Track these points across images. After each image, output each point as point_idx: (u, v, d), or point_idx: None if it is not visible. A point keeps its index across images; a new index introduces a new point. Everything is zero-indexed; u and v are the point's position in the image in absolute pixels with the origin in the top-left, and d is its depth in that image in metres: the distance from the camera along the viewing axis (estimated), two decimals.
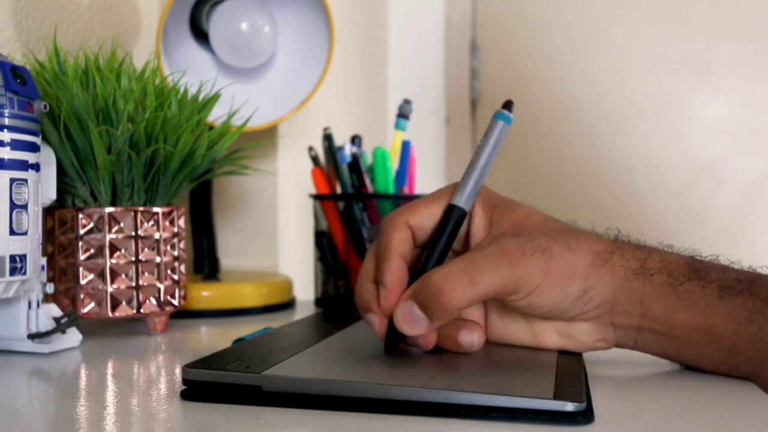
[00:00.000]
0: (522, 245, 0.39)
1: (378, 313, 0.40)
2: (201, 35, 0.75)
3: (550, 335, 0.42)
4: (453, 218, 0.41)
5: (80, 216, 0.53)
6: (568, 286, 0.39)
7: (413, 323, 0.39)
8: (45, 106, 0.47)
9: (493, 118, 0.42)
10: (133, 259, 0.54)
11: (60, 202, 0.54)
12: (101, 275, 0.53)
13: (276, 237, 0.90)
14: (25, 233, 0.45)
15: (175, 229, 0.57)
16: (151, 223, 0.55)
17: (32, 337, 0.47)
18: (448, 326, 0.41)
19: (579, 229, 0.42)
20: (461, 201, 0.41)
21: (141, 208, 0.55)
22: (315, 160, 0.74)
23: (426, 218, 0.42)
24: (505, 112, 0.42)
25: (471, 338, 0.41)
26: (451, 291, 0.37)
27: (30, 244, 0.46)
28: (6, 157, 0.44)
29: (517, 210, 0.42)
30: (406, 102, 0.76)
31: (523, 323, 0.43)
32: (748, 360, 0.39)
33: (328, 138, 0.72)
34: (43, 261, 0.50)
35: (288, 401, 0.34)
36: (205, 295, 0.68)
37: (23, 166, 0.45)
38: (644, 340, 0.41)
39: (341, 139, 0.76)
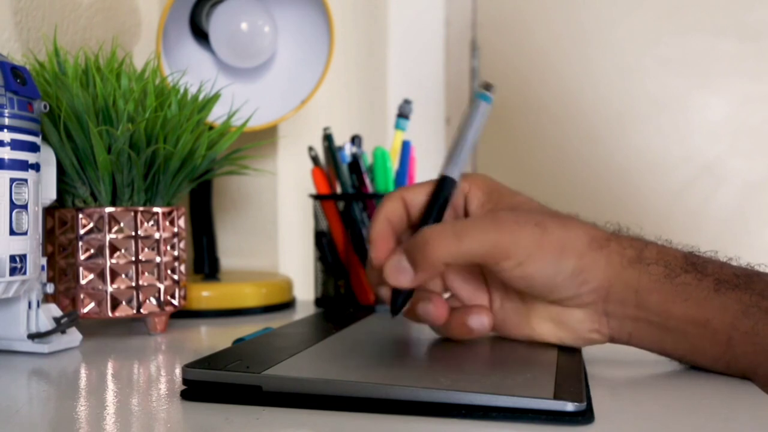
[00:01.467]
0: (516, 215, 0.40)
1: (377, 276, 0.42)
2: (201, 35, 0.75)
3: (546, 323, 0.43)
4: (445, 187, 0.43)
5: (80, 216, 0.53)
6: (560, 260, 0.40)
7: (399, 274, 0.41)
8: (45, 106, 0.47)
9: (474, 98, 0.44)
10: (133, 259, 0.54)
11: (60, 202, 0.54)
12: (101, 275, 0.53)
13: (276, 237, 0.90)
14: (25, 233, 0.45)
15: (175, 229, 0.57)
16: (151, 223, 0.55)
17: (32, 337, 0.47)
18: (457, 313, 0.43)
19: (576, 217, 0.43)
20: (451, 171, 0.43)
21: (141, 208, 0.55)
22: (315, 160, 0.74)
23: (419, 195, 0.44)
24: (485, 91, 0.44)
25: (480, 321, 0.43)
26: (436, 242, 0.39)
27: (30, 244, 0.46)
28: (6, 157, 0.44)
29: (515, 196, 0.44)
30: (406, 102, 0.76)
31: (522, 310, 0.43)
32: (745, 355, 0.39)
33: (328, 138, 0.72)
34: (43, 261, 0.50)
35: (288, 401, 0.34)
36: (205, 295, 0.68)
37: (23, 166, 0.45)
38: (639, 332, 0.41)
39: (341, 139, 0.76)
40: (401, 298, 0.42)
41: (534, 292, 0.41)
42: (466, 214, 0.44)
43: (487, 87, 0.44)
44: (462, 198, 0.44)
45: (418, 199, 0.43)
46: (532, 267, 0.39)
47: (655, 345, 0.42)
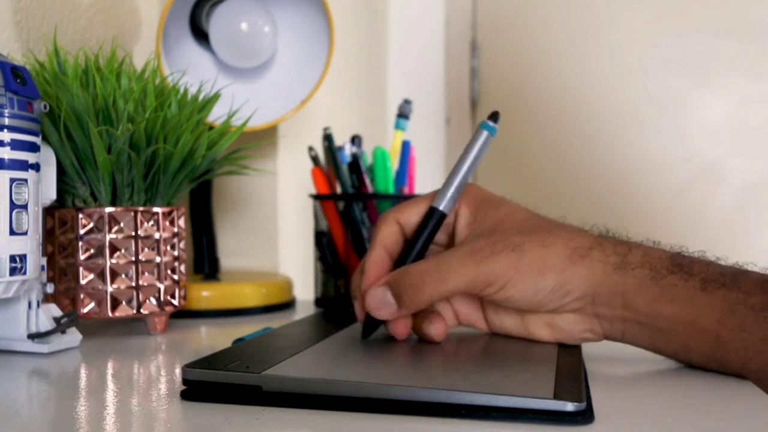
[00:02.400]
0: (493, 244, 0.41)
1: (360, 299, 0.44)
2: (201, 35, 0.75)
3: (540, 327, 0.44)
4: (432, 219, 0.44)
5: (80, 216, 0.53)
6: (540, 280, 0.41)
7: (382, 307, 0.42)
8: (45, 106, 0.47)
9: (479, 127, 0.44)
10: (133, 259, 0.54)
11: (60, 202, 0.54)
12: (101, 275, 0.53)
13: (276, 237, 0.90)
14: (25, 233, 0.45)
15: (175, 229, 0.57)
16: (151, 223, 0.55)
17: (32, 337, 0.47)
18: (418, 319, 0.45)
19: (560, 226, 0.44)
20: (441, 204, 0.44)
21: (141, 208, 0.55)
22: (315, 160, 0.74)
23: (414, 215, 0.45)
24: (491, 123, 0.44)
25: (436, 329, 0.44)
26: (424, 286, 0.41)
27: (30, 244, 0.46)
28: (6, 157, 0.44)
29: (500, 208, 0.44)
30: (406, 102, 0.76)
31: (515, 316, 0.45)
32: (735, 351, 0.39)
33: (328, 138, 0.72)
34: (43, 261, 0.50)
35: (288, 401, 0.34)
36: (205, 295, 0.68)
37: (23, 166, 0.45)
38: (631, 332, 0.42)
39: (341, 139, 0.76)
40: (374, 322, 0.44)
41: (519, 308, 0.43)
42: (453, 229, 0.45)
43: (494, 118, 0.44)
44: (453, 214, 0.45)
45: (411, 220, 0.45)
46: (512, 290, 0.41)
47: (648, 344, 0.42)
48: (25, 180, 0.45)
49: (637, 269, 0.41)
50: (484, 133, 0.44)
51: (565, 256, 0.41)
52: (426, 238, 0.44)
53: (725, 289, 0.39)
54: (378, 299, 0.42)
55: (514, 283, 0.41)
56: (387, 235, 0.44)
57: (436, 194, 0.44)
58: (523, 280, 0.41)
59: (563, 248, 0.41)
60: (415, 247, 0.44)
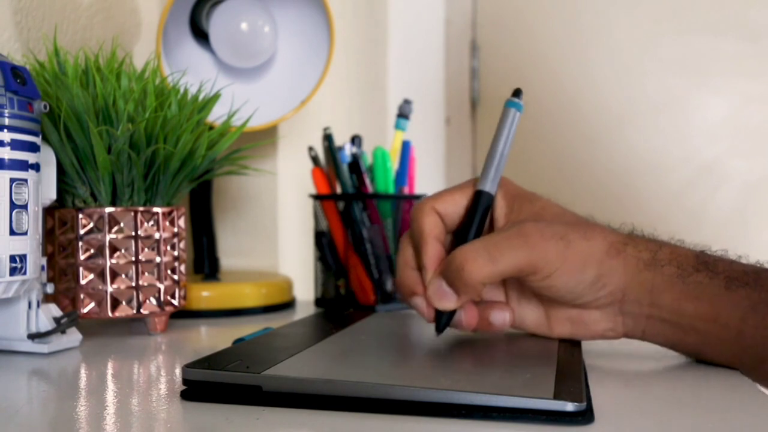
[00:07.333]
0: (541, 229, 0.41)
1: (424, 297, 0.43)
2: (201, 35, 0.75)
3: (563, 323, 0.44)
4: (482, 202, 0.44)
5: (80, 216, 0.53)
6: (583, 272, 0.41)
7: (443, 298, 0.42)
8: (45, 106, 0.47)
9: (505, 106, 0.45)
10: (133, 259, 0.54)
11: (60, 202, 0.54)
12: (101, 275, 0.53)
13: (276, 237, 0.90)
14: (25, 233, 0.45)
15: (175, 229, 0.57)
16: (151, 223, 0.55)
17: (32, 337, 0.47)
18: (480, 309, 0.44)
19: (595, 222, 0.44)
20: (487, 186, 0.44)
21: (141, 208, 0.55)
22: (315, 160, 0.74)
23: (450, 205, 0.44)
24: (516, 99, 0.45)
25: (502, 317, 0.44)
26: (472, 267, 0.40)
27: (30, 244, 0.46)
28: (6, 157, 0.44)
29: (536, 202, 0.45)
30: (406, 102, 0.76)
31: (540, 310, 0.45)
32: (755, 347, 0.40)
33: (328, 138, 0.72)
34: (43, 261, 0.50)
35: (288, 401, 0.34)
36: (205, 295, 0.68)
37: (23, 166, 0.45)
38: (652, 329, 0.42)
39: (341, 139, 0.76)
40: (445, 318, 0.43)
41: (557, 298, 0.43)
42: (491, 219, 0.45)
43: (517, 94, 0.45)
44: None
45: (450, 210, 0.44)
46: (557, 279, 0.41)
47: (667, 340, 0.43)
48: (25, 180, 0.45)
49: (665, 267, 0.41)
50: (512, 111, 0.44)
51: (603, 250, 0.41)
52: (479, 222, 0.44)
53: (748, 288, 0.40)
54: (436, 290, 0.42)
55: (560, 274, 0.41)
56: (434, 226, 0.44)
57: (474, 183, 0.45)
58: (568, 272, 0.41)
59: (602, 242, 0.42)
60: (470, 232, 0.43)
